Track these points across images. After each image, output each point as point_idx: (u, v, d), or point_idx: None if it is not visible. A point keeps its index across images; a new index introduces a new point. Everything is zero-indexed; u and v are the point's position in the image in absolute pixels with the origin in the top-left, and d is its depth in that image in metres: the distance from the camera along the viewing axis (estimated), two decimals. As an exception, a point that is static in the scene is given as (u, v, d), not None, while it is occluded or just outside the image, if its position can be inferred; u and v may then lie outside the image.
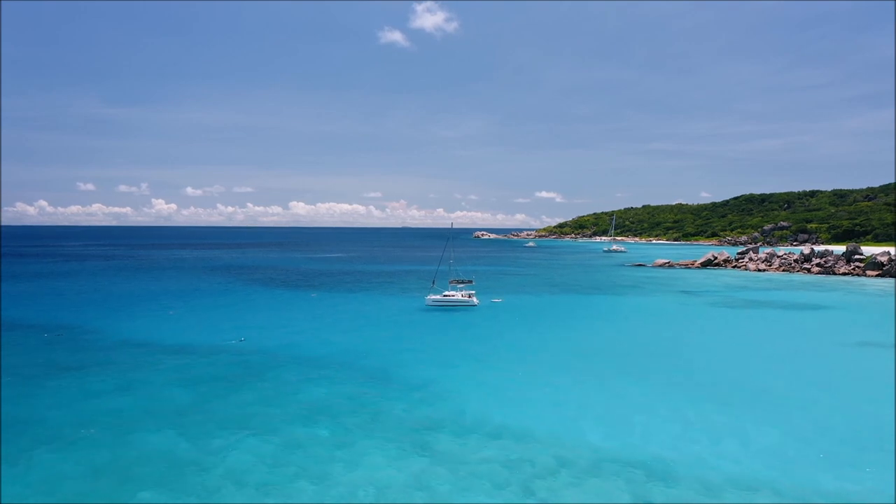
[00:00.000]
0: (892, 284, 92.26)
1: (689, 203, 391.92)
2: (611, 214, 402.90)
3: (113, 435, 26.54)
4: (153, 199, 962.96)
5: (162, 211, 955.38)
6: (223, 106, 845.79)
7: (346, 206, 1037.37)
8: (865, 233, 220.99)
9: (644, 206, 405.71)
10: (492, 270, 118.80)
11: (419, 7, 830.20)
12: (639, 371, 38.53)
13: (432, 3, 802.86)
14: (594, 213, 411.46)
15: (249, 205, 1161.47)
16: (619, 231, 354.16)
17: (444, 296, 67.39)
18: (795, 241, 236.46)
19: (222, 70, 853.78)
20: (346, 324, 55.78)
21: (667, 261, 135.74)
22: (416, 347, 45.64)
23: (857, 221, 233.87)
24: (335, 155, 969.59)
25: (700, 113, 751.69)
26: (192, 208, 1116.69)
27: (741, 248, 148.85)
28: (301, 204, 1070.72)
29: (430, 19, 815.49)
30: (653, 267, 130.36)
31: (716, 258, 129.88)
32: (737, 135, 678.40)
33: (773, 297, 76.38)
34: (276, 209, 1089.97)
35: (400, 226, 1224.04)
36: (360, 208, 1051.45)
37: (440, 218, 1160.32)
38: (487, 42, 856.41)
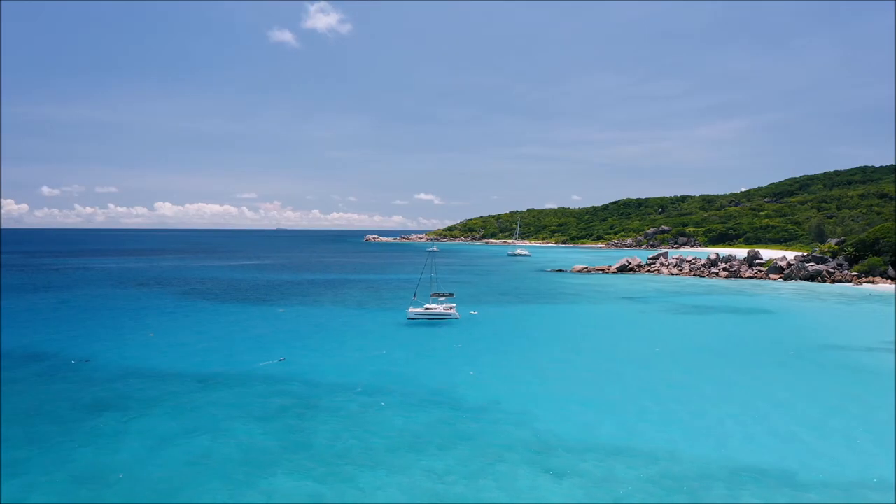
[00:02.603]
0: (797, 287, 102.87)
1: (569, 207, 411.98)
2: (497, 217, 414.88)
3: (221, 486, 24.54)
4: (2, 200, 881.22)
5: (11, 212, 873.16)
6: (94, 102, 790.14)
7: (217, 207, 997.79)
8: (737, 236, 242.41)
9: (529, 210, 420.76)
10: (425, 279, 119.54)
11: (312, 7, 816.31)
12: (690, 374, 39.98)
13: (326, 3, 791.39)
14: (482, 217, 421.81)
15: (111, 205, 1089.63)
16: (506, 234, 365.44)
17: (426, 309, 68.07)
18: (676, 243, 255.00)
19: (89, 64, 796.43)
20: (346, 342, 54.30)
21: (584, 266, 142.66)
22: (448, 365, 45.49)
23: (728, 225, 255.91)
24: (207, 153, 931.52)
25: (567, 119, 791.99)
26: (46, 209, 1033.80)
27: (652, 253, 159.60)
28: (168, 204, 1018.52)
29: (322, 20, 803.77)
30: (574, 272, 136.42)
31: (629, 263, 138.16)
32: (602, 141, 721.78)
33: (716, 303, 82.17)
34: (141, 210, 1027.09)
35: (274, 227, 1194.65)
36: (233, 209, 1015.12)
37: (316, 220, 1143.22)
38: (377, 44, 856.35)
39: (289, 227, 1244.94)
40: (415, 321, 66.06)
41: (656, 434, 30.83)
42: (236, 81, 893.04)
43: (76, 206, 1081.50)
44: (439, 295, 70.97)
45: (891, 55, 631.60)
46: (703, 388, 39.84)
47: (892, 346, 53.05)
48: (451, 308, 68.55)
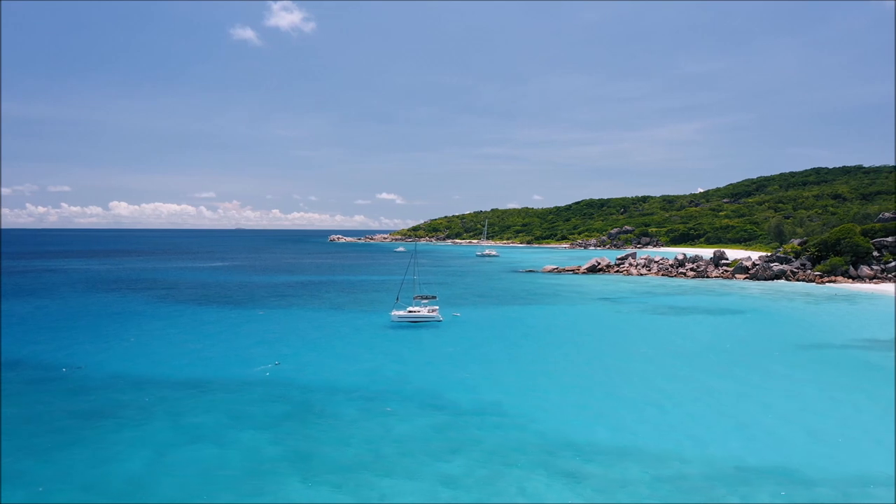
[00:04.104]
0: (763, 287, 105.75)
1: (532, 207, 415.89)
2: (462, 217, 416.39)
3: (236, 496, 24.23)
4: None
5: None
6: (49, 99, 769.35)
7: (174, 207, 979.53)
8: (698, 236, 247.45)
9: (493, 210, 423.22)
10: (407, 280, 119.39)
11: (275, 5, 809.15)
12: (691, 374, 40.48)
13: (289, 2, 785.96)
14: (446, 217, 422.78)
15: (64, 205, 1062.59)
16: (471, 234, 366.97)
17: (409, 311, 68.08)
18: (639, 243, 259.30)
19: (43, 60, 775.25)
20: (335, 345, 54.09)
21: (555, 266, 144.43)
22: (442, 368, 45.56)
23: (689, 225, 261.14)
24: (164, 152, 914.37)
25: (529, 120, 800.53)
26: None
27: (617, 253, 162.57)
28: (123, 204, 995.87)
29: (286, 18, 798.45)
30: (545, 273, 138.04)
31: (599, 264, 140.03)
32: (563, 141, 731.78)
33: (692, 303, 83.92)
34: (96, 210, 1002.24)
35: (233, 227, 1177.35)
36: (190, 209, 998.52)
37: (276, 219, 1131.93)
38: (341, 43, 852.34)
39: (248, 227, 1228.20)
40: (398, 323, 66.15)
41: (668, 433, 31.35)
42: (196, 79, 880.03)
43: (28, 205, 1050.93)
44: (422, 297, 71.06)
45: (843, 58, 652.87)
46: (708, 387, 40.73)
47: (872, 343, 55.09)
48: (433, 311, 68.68)
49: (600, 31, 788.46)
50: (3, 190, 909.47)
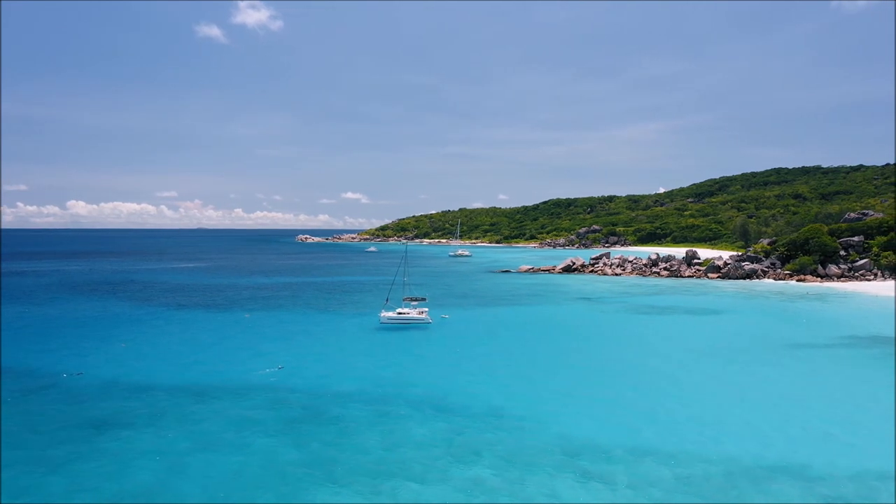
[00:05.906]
0: (736, 286, 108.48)
1: (498, 206, 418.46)
2: (430, 217, 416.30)
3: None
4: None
5: None
6: (5, 96, 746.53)
7: (134, 206, 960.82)
8: (665, 235, 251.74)
9: (461, 209, 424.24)
10: (378, 281, 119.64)
11: (242, 4, 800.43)
12: (693, 373, 41.26)
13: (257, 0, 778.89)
14: (414, 216, 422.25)
15: (20, 204, 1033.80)
16: (439, 234, 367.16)
17: (399, 313, 68.29)
18: (607, 243, 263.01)
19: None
20: (331, 347, 54.02)
21: (530, 266, 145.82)
22: (444, 369, 46.00)
23: (656, 225, 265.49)
24: (124, 150, 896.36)
25: (493, 119, 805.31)
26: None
27: (585, 252, 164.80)
28: (81, 203, 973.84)
29: (253, 16, 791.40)
30: (521, 273, 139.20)
31: (574, 264, 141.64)
32: (527, 141, 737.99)
33: (672, 302, 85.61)
34: (53, 209, 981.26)
35: (195, 227, 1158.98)
36: (151, 208, 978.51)
37: (239, 219, 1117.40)
38: (308, 41, 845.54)
39: (210, 227, 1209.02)
40: (388, 325, 66.27)
41: (685, 432, 32.08)
42: (160, 77, 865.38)
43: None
44: (412, 299, 71.33)
45: (800, 60, 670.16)
46: (712, 386, 41.72)
47: (873, 341, 57.08)
48: (422, 312, 68.92)
49: (564, 31, 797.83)
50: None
